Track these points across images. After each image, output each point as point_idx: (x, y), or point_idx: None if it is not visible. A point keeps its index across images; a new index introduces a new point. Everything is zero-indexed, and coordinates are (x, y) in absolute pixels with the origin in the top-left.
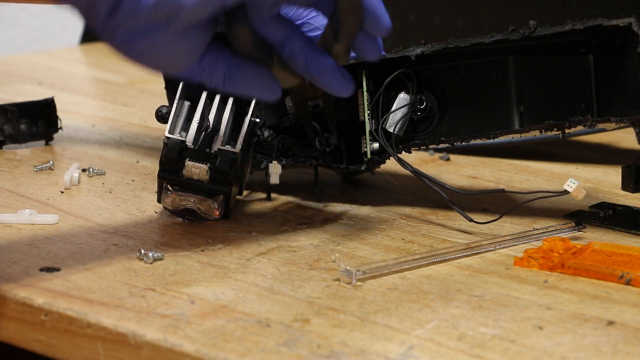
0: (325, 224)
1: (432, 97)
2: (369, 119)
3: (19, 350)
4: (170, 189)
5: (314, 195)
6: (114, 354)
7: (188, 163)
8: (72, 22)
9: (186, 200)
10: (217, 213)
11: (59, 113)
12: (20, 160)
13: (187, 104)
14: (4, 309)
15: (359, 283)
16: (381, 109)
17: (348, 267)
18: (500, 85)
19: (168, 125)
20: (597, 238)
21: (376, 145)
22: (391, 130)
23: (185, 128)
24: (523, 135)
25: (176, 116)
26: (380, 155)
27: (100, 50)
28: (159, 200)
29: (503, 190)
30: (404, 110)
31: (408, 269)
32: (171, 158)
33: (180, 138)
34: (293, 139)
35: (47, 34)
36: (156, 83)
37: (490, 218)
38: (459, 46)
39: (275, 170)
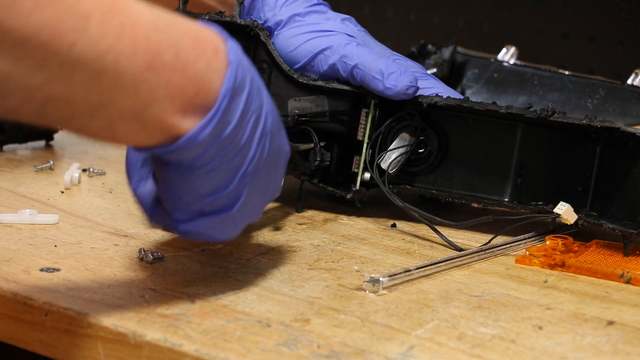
0: (325, 224)
1: (435, 139)
2: (366, 148)
3: (19, 350)
4: None
5: (296, 209)
6: (114, 354)
7: None
8: None
9: None
10: None
11: None
12: (20, 160)
13: None
14: (4, 308)
15: (384, 292)
16: (379, 144)
17: (373, 276)
18: (504, 149)
19: None
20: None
21: (367, 175)
22: (385, 167)
23: None
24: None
25: None
26: (369, 188)
27: None
28: None
29: (492, 218)
30: (402, 151)
31: (432, 274)
32: None
33: None
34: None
35: None
36: None
37: (480, 240)
38: (473, 108)
39: None
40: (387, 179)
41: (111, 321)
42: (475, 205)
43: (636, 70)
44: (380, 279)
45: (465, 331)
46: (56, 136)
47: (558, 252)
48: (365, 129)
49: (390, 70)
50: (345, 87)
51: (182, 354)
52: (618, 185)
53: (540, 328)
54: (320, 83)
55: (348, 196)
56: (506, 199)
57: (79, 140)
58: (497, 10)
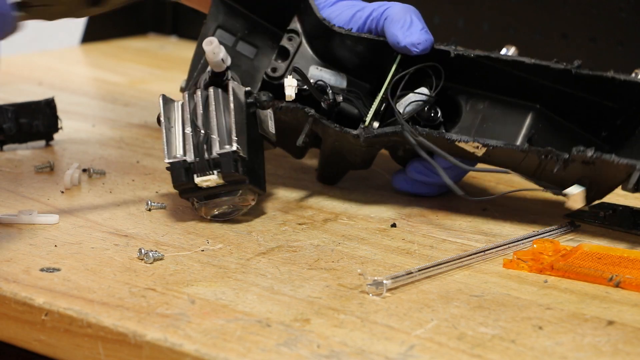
0: (325, 224)
1: (440, 113)
2: (386, 88)
3: (19, 350)
4: (198, 202)
5: (296, 141)
6: (115, 354)
7: (197, 180)
8: (72, 22)
9: (217, 205)
10: (253, 198)
11: (59, 113)
12: (20, 161)
13: (178, 109)
14: (4, 309)
15: (388, 294)
16: (399, 91)
17: (377, 278)
18: (514, 129)
19: (165, 151)
20: (597, 238)
21: (376, 124)
22: (400, 109)
23: (182, 142)
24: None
25: (169, 131)
26: (376, 130)
27: (100, 50)
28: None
29: (508, 172)
30: (419, 97)
31: (434, 275)
32: (180, 183)
33: (179, 159)
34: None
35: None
36: (156, 83)
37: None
38: (499, 58)
39: (290, 84)
40: (402, 119)
41: (111, 321)
42: (482, 149)
43: (636, 70)
44: (384, 281)
45: (465, 331)
46: (56, 136)
47: (546, 256)
48: (385, 82)
49: (415, 24)
50: (376, 37)
51: (182, 354)
52: (629, 136)
53: (540, 328)
54: (354, 33)
55: (354, 132)
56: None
57: (79, 140)
58: (497, 10)
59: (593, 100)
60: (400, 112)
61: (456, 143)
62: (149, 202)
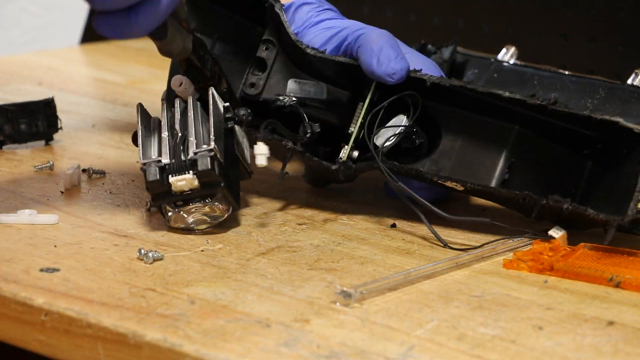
0: (325, 224)
1: (426, 137)
2: (361, 123)
3: (19, 350)
4: (171, 209)
5: (277, 176)
6: (114, 354)
7: (172, 180)
8: (72, 22)
9: (191, 213)
10: (227, 209)
11: (59, 113)
12: (20, 160)
13: (156, 120)
14: (4, 309)
15: (357, 305)
16: (376, 124)
17: (345, 289)
18: (495, 148)
19: (140, 151)
20: (597, 239)
21: (355, 153)
22: (378, 143)
23: (158, 145)
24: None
25: (146, 137)
26: (355, 163)
27: (100, 50)
28: (168, 224)
29: (489, 221)
30: (397, 130)
31: (404, 285)
32: (154, 182)
33: (154, 159)
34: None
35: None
36: (156, 83)
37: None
38: (476, 89)
39: (261, 152)
40: (380, 155)
41: (111, 321)
42: (461, 187)
43: (636, 70)
44: (352, 292)
45: (465, 331)
46: (56, 136)
47: (546, 256)
48: (362, 108)
49: (389, 52)
50: (349, 61)
51: (182, 354)
52: (606, 181)
53: (541, 328)
54: (327, 55)
55: (333, 167)
56: (492, 185)
57: (79, 140)
58: (497, 11)
59: (572, 129)
60: (378, 147)
61: (435, 179)
62: (149, 202)
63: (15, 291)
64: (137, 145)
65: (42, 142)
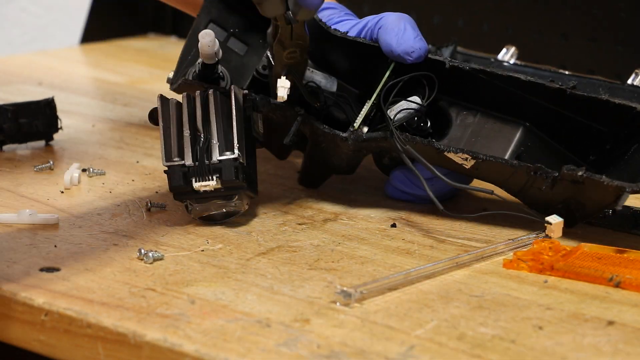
0: (325, 224)
1: (429, 125)
2: (377, 96)
3: (19, 350)
4: (191, 204)
5: (284, 140)
6: (114, 354)
7: (196, 185)
8: (72, 22)
9: (213, 209)
10: (247, 203)
11: (59, 113)
12: (20, 160)
13: (174, 102)
14: (4, 309)
15: (357, 304)
16: (392, 96)
17: (345, 289)
18: (502, 146)
19: (163, 153)
20: (597, 239)
21: (365, 129)
22: (391, 115)
23: (180, 145)
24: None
25: (167, 137)
26: (365, 135)
27: (100, 50)
28: (189, 215)
29: (492, 192)
30: (411, 105)
31: (404, 285)
32: (178, 187)
33: (178, 163)
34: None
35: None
36: (156, 83)
37: (490, 218)
38: (494, 72)
39: (283, 84)
40: (392, 127)
41: (111, 321)
42: (472, 161)
43: (636, 70)
44: (352, 292)
45: (465, 331)
46: (56, 136)
47: (546, 256)
48: (380, 82)
49: (409, 32)
50: (369, 42)
51: (182, 354)
52: (616, 161)
53: (540, 328)
54: (348, 36)
55: (343, 134)
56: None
57: (79, 140)
58: (497, 10)
59: (584, 123)
60: (391, 118)
61: (445, 153)
62: (149, 202)
63: (15, 291)
64: (155, 124)
65: (42, 142)
